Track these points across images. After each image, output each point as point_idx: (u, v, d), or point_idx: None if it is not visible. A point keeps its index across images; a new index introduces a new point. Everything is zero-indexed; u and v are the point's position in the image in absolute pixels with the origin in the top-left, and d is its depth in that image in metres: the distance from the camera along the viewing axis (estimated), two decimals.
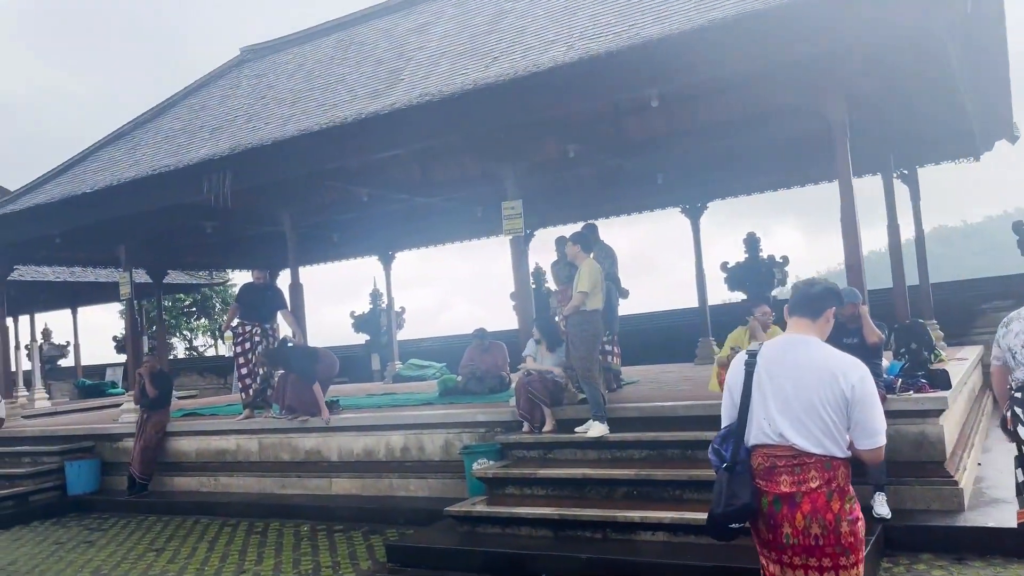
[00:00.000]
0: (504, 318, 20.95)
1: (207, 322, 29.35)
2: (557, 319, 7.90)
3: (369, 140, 8.19)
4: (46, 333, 24.83)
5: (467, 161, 10.01)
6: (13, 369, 15.17)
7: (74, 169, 12.60)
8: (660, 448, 6.67)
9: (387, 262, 15.42)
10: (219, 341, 29.39)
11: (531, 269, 13.36)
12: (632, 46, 6.56)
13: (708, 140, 9.00)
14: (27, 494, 9.93)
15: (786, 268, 12.38)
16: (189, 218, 11.44)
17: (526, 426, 7.39)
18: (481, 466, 7.02)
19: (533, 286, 12.81)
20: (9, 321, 16.17)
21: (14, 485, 10.02)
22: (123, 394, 16.39)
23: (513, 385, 8.00)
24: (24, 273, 15.50)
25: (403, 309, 16.12)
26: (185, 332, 29.18)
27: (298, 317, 9.79)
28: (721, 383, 5.74)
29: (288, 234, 9.92)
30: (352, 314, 17.09)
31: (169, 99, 13.58)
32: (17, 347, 18.46)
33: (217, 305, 28.96)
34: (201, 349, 29.87)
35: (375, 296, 16.92)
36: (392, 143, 8.29)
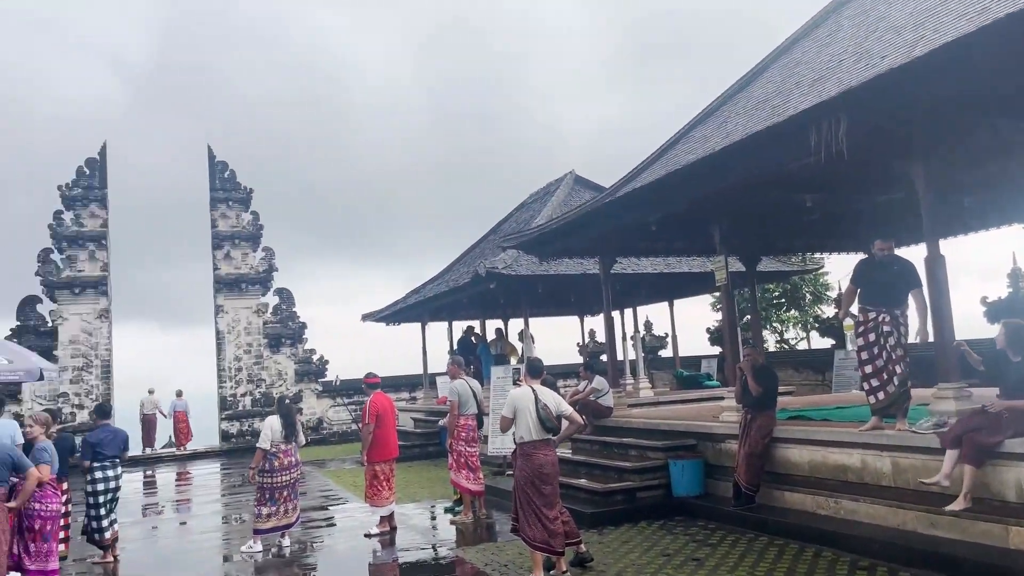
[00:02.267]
0: None
1: (797, 313, 27.81)
2: None
3: None
4: (647, 325, 26.37)
5: None
6: (620, 359, 15.80)
7: (666, 155, 12.21)
8: None
9: None
10: (810, 334, 27.61)
11: None
12: None
13: None
14: (634, 490, 9.57)
15: None
16: (787, 190, 9.91)
17: None
18: None
19: None
20: (615, 314, 17.02)
21: (622, 479, 9.78)
22: (718, 386, 15.86)
23: None
24: (626, 267, 16.04)
25: None
26: (775, 324, 28.11)
27: (940, 304, 7.33)
28: None
29: (921, 194, 7.56)
30: (984, 300, 13.59)
31: (758, 65, 12.31)
32: (623, 338, 19.59)
33: (807, 295, 27.21)
34: (792, 342, 28.49)
35: (1016, 276, 13.14)
36: None
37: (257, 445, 9.07)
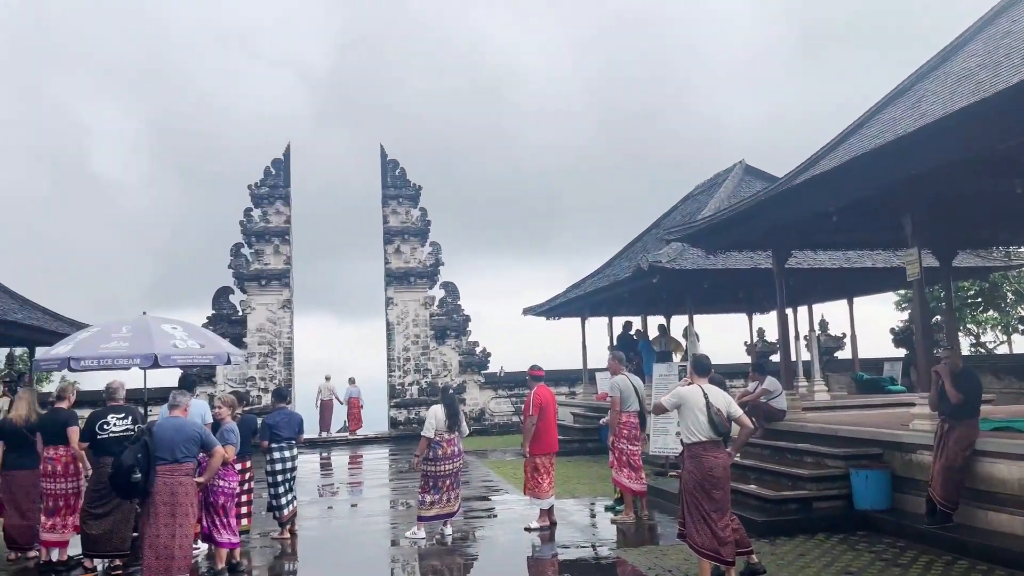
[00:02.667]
0: None
1: (996, 314, 25.16)
2: None
3: None
4: (823, 324, 24.80)
5: None
6: (792, 360, 14.86)
7: (849, 139, 11.30)
8: None
9: None
10: (1011, 337, 24.92)
11: None
12: None
13: None
14: (810, 499, 8.91)
15: None
16: (992, 175, 8.87)
17: None
18: None
19: None
20: (787, 312, 16.02)
21: (796, 487, 9.14)
22: (903, 391, 14.55)
23: None
24: (801, 260, 15.05)
25: None
26: (970, 325, 25.57)
27: None
28: None
29: None
30: None
31: (958, 39, 11.12)
32: (796, 338, 18.44)
33: (1009, 295, 24.55)
34: (990, 345, 25.82)
35: None
36: None
37: (422, 433, 9.24)
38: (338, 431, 25.27)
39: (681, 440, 6.60)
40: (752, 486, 9.49)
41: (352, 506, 12.51)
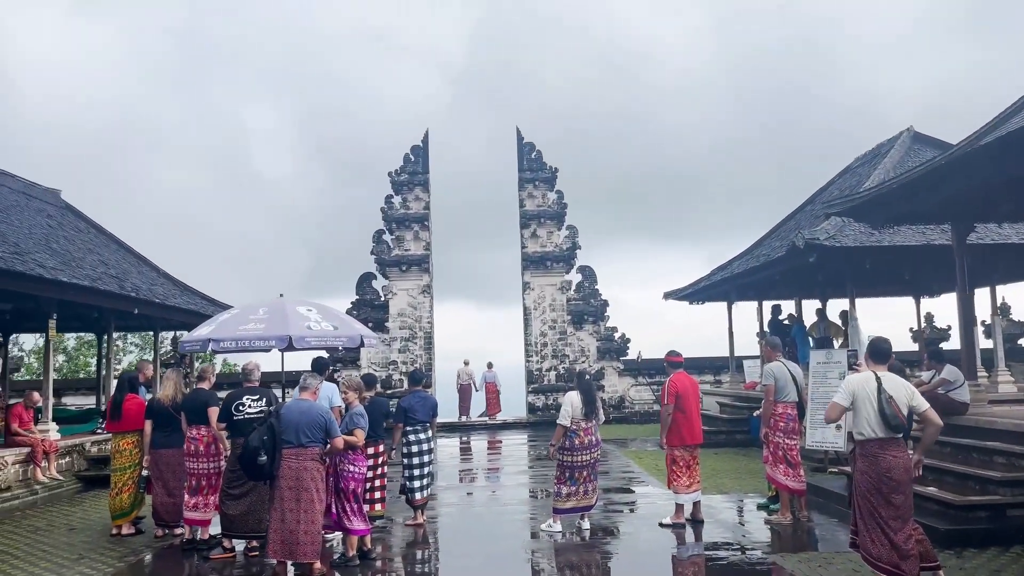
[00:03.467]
0: None
1: None
2: None
3: None
4: (1004, 308, 22.37)
5: None
6: (975, 347, 13.24)
7: None
8: None
9: None
10: None
11: None
12: None
13: None
14: (1003, 507, 7.72)
15: None
16: None
17: None
18: None
19: None
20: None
21: (986, 492, 7.96)
22: None
23: None
24: (982, 236, 13.38)
25: None
26: None
27: None
28: None
29: None
30: None
31: None
32: (974, 323, 16.56)
33: None
34: None
35: None
36: None
37: (557, 422, 8.76)
38: (478, 416, 25.36)
39: (852, 436, 5.74)
40: (931, 488, 8.37)
41: (492, 493, 12.22)
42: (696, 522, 8.88)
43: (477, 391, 25.20)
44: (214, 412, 8.20)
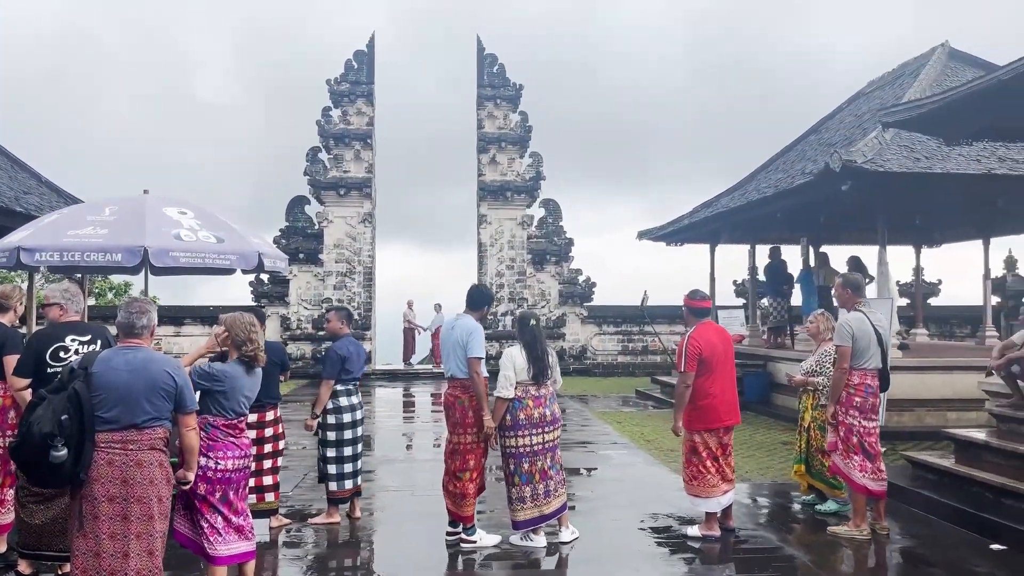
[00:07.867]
0: None
1: None
2: None
3: None
4: (1009, 262, 20.40)
5: None
6: None
7: None
8: None
9: None
10: None
11: None
12: None
13: None
14: None
15: None
16: None
17: None
18: None
19: None
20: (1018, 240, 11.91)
21: None
22: None
23: None
24: None
25: None
26: None
27: None
28: None
29: None
30: None
31: None
32: None
33: None
34: None
35: None
36: None
37: (495, 394, 5.95)
38: (419, 362, 22.59)
39: None
40: None
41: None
42: (727, 531, 6.28)
43: (422, 333, 22.43)
44: (11, 361, 5.17)
